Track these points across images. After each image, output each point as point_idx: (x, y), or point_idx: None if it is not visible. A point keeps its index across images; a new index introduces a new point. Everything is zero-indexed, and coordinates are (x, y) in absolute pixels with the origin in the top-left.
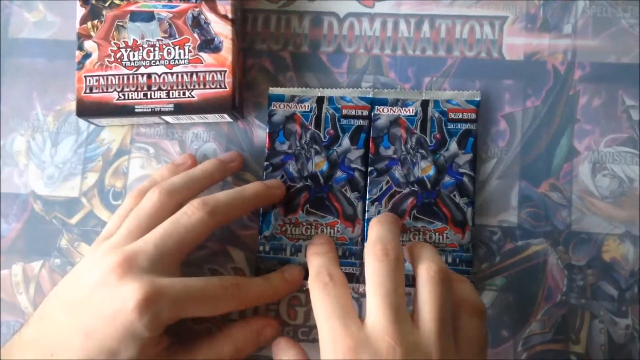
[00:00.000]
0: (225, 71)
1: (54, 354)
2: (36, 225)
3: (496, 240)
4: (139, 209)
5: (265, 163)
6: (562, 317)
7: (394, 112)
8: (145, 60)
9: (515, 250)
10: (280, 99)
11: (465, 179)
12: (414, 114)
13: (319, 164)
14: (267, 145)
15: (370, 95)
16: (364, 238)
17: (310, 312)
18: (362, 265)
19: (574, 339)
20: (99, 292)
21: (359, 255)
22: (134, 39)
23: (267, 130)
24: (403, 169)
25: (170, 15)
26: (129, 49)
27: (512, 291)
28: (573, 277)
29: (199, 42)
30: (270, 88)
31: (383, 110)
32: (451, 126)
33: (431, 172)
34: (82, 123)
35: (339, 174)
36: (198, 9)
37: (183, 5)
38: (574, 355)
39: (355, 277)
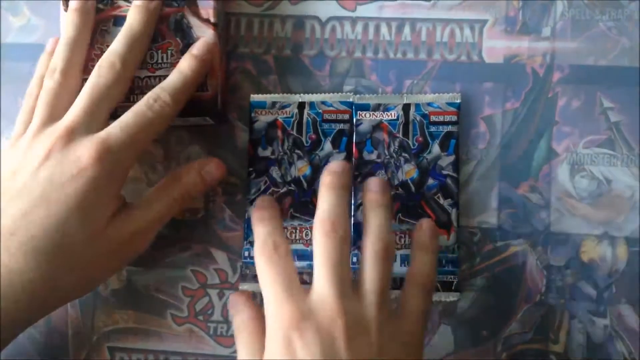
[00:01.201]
0: (208, 74)
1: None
2: None
3: (476, 242)
4: (94, 85)
5: (249, 169)
6: (541, 317)
7: (376, 116)
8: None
9: (495, 251)
10: (261, 105)
11: (448, 180)
12: (396, 117)
13: (301, 168)
14: (249, 152)
15: (352, 100)
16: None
17: None
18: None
19: (554, 339)
20: (48, 165)
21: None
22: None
23: (249, 137)
24: (387, 173)
25: None
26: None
27: (492, 292)
28: (552, 277)
29: (181, 46)
30: (252, 95)
31: (365, 115)
32: (433, 129)
33: (415, 174)
34: None
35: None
36: (181, 13)
37: (166, 10)
38: (553, 354)
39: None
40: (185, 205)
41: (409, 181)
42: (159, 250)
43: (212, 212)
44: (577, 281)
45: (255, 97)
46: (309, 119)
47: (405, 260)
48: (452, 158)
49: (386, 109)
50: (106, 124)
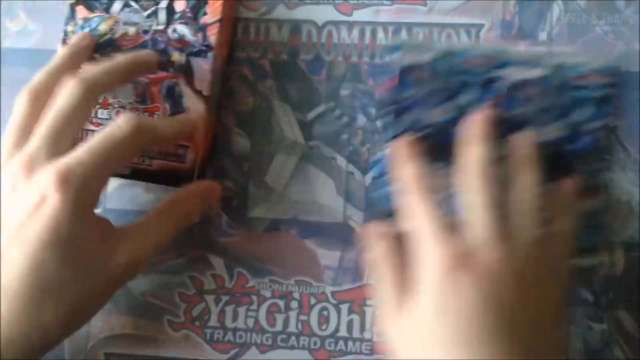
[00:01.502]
0: (188, 147)
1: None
2: None
3: None
4: (57, 110)
5: (386, 109)
6: None
7: (524, 72)
8: (112, 120)
9: None
10: (404, 48)
11: (598, 142)
12: (544, 75)
13: (445, 112)
14: (390, 92)
15: (498, 49)
16: None
17: (289, 319)
18: None
19: None
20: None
21: None
22: (105, 97)
23: (391, 77)
24: (533, 131)
25: (147, 81)
26: (98, 106)
27: None
28: None
29: (168, 112)
30: (396, 38)
31: (512, 70)
32: (584, 90)
33: (563, 134)
34: None
35: None
36: (175, 80)
37: (161, 74)
38: None
39: None
40: (182, 230)
41: (556, 140)
42: (155, 257)
43: (209, 218)
44: (575, 286)
45: (398, 41)
46: (455, 64)
47: None
48: (602, 122)
49: (535, 65)
50: (70, 149)
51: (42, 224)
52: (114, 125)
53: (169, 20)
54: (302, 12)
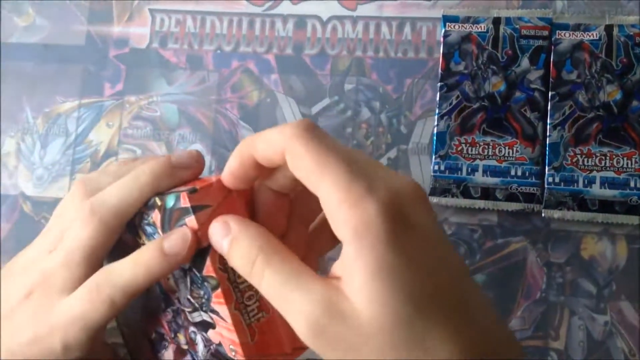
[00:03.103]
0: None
1: None
2: (25, 226)
3: (477, 238)
4: (62, 209)
5: (439, 84)
6: (541, 313)
7: (577, 36)
8: None
9: (495, 248)
10: (454, 19)
11: None
12: (598, 38)
13: (496, 84)
14: (441, 66)
15: (550, 16)
16: (544, 158)
17: None
18: (542, 186)
19: (554, 336)
20: (20, 311)
21: (539, 176)
22: None
23: (442, 51)
24: (587, 94)
25: None
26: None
27: (493, 288)
28: (552, 274)
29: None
30: (445, 9)
31: (565, 34)
32: (638, 50)
33: (618, 96)
34: (71, 125)
35: (518, 94)
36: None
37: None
38: (553, 351)
39: (536, 197)
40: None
41: (612, 103)
42: None
43: None
44: (577, 278)
45: (448, 11)
46: (506, 34)
47: (605, 182)
48: None
49: (587, 28)
50: (91, 271)
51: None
52: (92, 285)
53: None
54: (306, 7)
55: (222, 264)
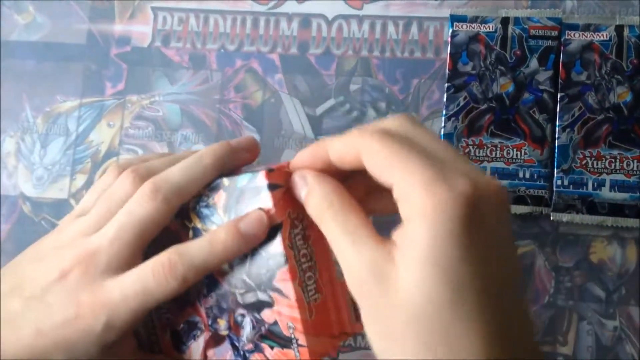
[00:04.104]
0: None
1: (2, 341)
2: (25, 227)
3: None
4: (111, 193)
5: (446, 84)
6: (549, 318)
7: (587, 36)
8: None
9: None
10: (462, 19)
11: None
12: (608, 38)
13: (504, 85)
14: (449, 66)
15: (560, 16)
16: (553, 160)
17: None
18: (550, 188)
19: (562, 341)
20: (54, 291)
21: (548, 178)
22: None
23: (449, 51)
24: (597, 95)
25: None
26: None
27: None
28: (560, 278)
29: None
30: (452, 8)
31: (574, 34)
32: None
33: (628, 98)
34: (72, 124)
35: (527, 95)
36: None
37: None
38: (561, 356)
39: (545, 200)
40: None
41: (622, 104)
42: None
43: None
44: (586, 282)
45: (456, 11)
46: (514, 34)
47: (614, 185)
48: None
49: (597, 29)
50: (137, 261)
51: (61, 337)
52: (158, 263)
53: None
54: (312, 6)
55: (290, 241)
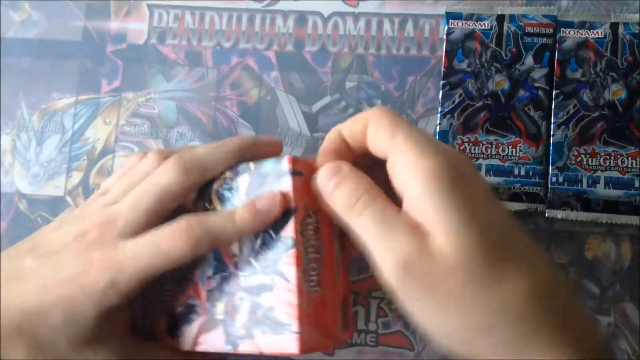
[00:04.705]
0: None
1: (5, 291)
2: (21, 224)
3: None
4: (135, 170)
5: (442, 82)
6: None
7: (582, 34)
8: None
9: None
10: (457, 17)
11: None
12: (603, 36)
13: (500, 82)
14: (444, 64)
15: (555, 14)
16: (548, 158)
17: None
18: (545, 185)
19: None
20: (68, 251)
21: (543, 175)
22: None
23: (445, 49)
24: (592, 93)
25: None
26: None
27: None
28: None
29: None
30: (448, 6)
31: (569, 32)
32: None
33: (623, 95)
34: (67, 122)
35: (522, 92)
36: None
37: None
38: None
39: (540, 197)
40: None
41: (617, 102)
42: None
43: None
44: (581, 279)
45: (451, 8)
46: (509, 31)
47: (609, 182)
48: None
49: (592, 26)
50: (152, 224)
51: (68, 288)
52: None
53: None
54: (307, 3)
55: (302, 227)
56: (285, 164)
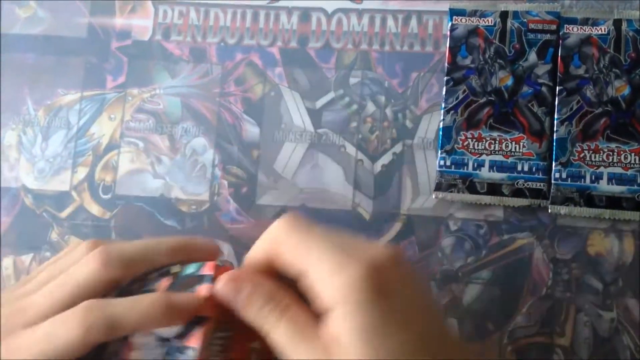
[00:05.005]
0: None
1: None
2: (27, 219)
3: (482, 234)
4: (60, 260)
5: (445, 78)
6: (547, 310)
7: (585, 30)
8: None
9: (501, 244)
10: (461, 13)
11: None
12: (606, 32)
13: (503, 78)
14: (448, 60)
15: (558, 10)
16: (551, 154)
17: None
18: (548, 181)
19: (559, 332)
20: None
21: (546, 171)
22: None
23: (448, 45)
24: (595, 89)
25: None
26: None
27: (498, 285)
28: (558, 270)
29: None
30: (451, 2)
31: (573, 28)
32: None
33: (626, 91)
34: (73, 117)
35: (525, 89)
36: None
37: None
38: (559, 348)
39: (543, 193)
40: None
41: (620, 98)
42: None
43: (218, 205)
44: (584, 274)
45: (455, 4)
46: (513, 28)
47: (612, 178)
48: None
49: (595, 23)
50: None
51: None
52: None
53: None
54: (311, 0)
55: (210, 339)
56: (208, 269)
